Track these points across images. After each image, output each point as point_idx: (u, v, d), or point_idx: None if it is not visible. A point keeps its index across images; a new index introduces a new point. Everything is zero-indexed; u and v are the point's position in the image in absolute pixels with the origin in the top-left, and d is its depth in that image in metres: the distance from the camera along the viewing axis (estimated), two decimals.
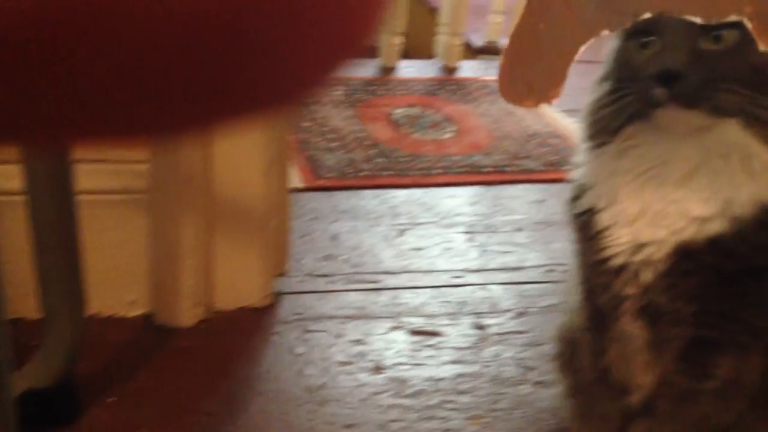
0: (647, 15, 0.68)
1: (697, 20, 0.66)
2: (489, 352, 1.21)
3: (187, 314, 1.18)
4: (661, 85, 0.67)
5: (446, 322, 1.27)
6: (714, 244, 0.71)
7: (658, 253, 0.73)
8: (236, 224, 1.17)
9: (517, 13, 0.77)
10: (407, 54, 2.55)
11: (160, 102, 0.26)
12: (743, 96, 0.67)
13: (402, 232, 1.52)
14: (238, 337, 1.18)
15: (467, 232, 1.54)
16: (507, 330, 1.26)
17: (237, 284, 1.21)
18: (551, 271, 1.42)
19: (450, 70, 2.29)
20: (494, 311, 1.31)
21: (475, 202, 1.66)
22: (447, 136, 1.91)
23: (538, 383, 1.14)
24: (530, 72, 0.75)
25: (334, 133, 1.86)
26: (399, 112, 2.01)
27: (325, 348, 1.18)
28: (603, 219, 0.76)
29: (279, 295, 1.28)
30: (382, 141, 1.85)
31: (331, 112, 1.97)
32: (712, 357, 0.79)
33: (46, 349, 0.98)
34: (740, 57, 0.68)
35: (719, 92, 0.67)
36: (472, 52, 2.47)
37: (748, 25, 0.65)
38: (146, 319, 1.20)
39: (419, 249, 1.47)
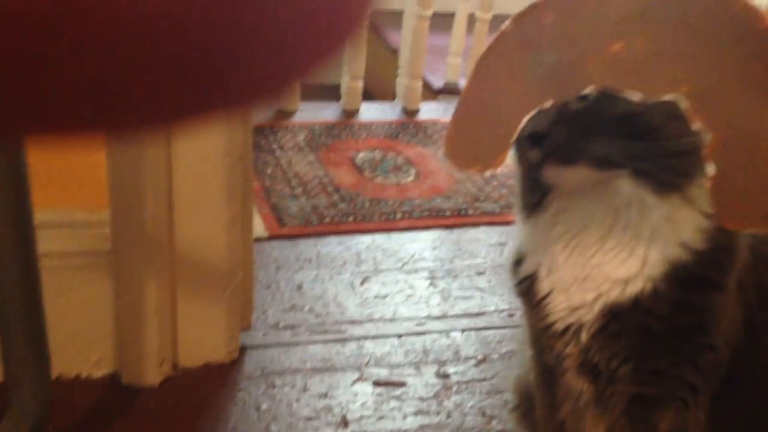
0: (590, 89, 0.70)
1: (637, 97, 0.68)
2: (452, 401, 1.23)
3: (152, 372, 1.18)
4: (532, 146, 0.71)
5: (410, 371, 1.29)
6: (636, 304, 0.74)
7: (588, 315, 0.76)
8: (200, 281, 1.19)
9: (469, 72, 0.79)
10: (372, 95, 2.59)
11: (139, 94, 0.26)
12: (620, 145, 0.70)
13: (366, 279, 1.54)
14: (204, 394, 1.19)
15: (429, 278, 1.57)
16: (469, 378, 1.29)
17: (202, 340, 1.22)
18: (512, 315, 1.45)
19: (411, 113, 2.33)
20: (457, 359, 1.33)
21: (437, 246, 1.69)
22: (408, 179, 1.94)
23: None
24: (476, 139, 0.76)
25: (297, 179, 1.88)
26: (361, 155, 2.05)
27: (291, 403, 1.19)
28: (543, 286, 0.79)
29: (244, 349, 1.29)
30: (345, 186, 1.88)
31: (294, 158, 1.99)
32: (653, 413, 0.81)
33: (12, 416, 0.98)
34: (605, 109, 0.70)
35: (591, 144, 0.70)
36: (433, 93, 2.52)
37: (684, 103, 0.66)
38: (112, 379, 1.20)
39: (383, 296, 1.49)
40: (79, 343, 1.17)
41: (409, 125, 2.25)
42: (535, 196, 0.77)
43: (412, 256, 1.64)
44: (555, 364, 0.83)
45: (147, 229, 1.09)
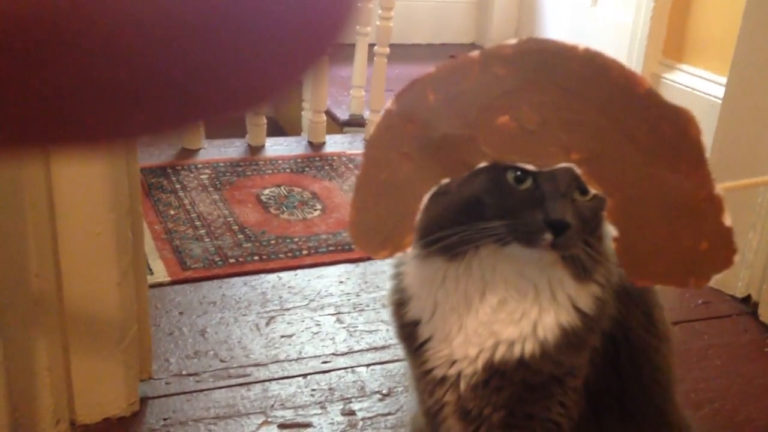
0: (483, 164, 0.69)
1: (530, 167, 0.69)
2: None
3: None
4: (551, 232, 0.70)
5: (316, 411, 1.30)
6: (522, 363, 0.78)
7: (469, 368, 0.79)
8: (94, 337, 1.17)
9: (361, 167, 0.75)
10: (284, 130, 2.59)
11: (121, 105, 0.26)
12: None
13: (271, 320, 1.54)
14: None
15: (336, 314, 1.58)
16: (374, 413, 1.30)
17: (100, 395, 1.20)
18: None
19: (316, 146, 2.35)
20: (362, 395, 1.35)
21: (344, 281, 1.70)
22: (315, 214, 1.96)
23: None
24: (380, 223, 0.74)
25: (200, 219, 1.87)
26: (267, 192, 2.05)
27: None
28: (423, 332, 0.81)
29: (146, 400, 1.28)
30: (251, 224, 1.88)
31: (198, 198, 1.98)
32: None
33: None
34: (598, 209, 0.73)
35: (580, 240, 0.72)
36: (339, 125, 2.54)
37: (578, 171, 0.68)
38: None
39: (289, 336, 1.49)
40: None
41: (315, 159, 2.27)
42: (465, 246, 0.76)
43: (318, 292, 1.65)
44: (434, 409, 0.85)
45: (33, 288, 1.07)
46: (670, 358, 0.92)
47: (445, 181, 0.71)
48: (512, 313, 0.77)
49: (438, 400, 0.83)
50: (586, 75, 0.66)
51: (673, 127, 0.65)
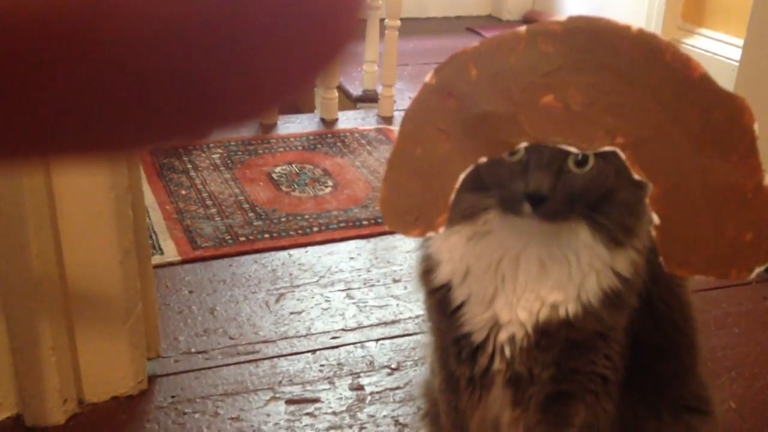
0: (523, 144, 0.68)
1: (572, 149, 0.67)
2: (366, 413, 1.23)
3: (56, 412, 1.16)
4: (528, 203, 0.70)
5: (324, 386, 1.29)
6: (566, 322, 0.77)
7: (520, 332, 0.79)
8: (98, 316, 1.17)
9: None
10: (298, 107, 2.58)
11: (130, 114, 0.26)
12: (587, 204, 0.72)
13: (281, 297, 1.53)
14: (111, 428, 1.17)
15: (346, 289, 1.57)
16: (383, 387, 1.29)
17: (107, 374, 1.20)
18: (425, 320, 1.46)
19: (329, 123, 2.33)
20: (371, 369, 1.34)
21: (354, 257, 1.69)
22: (326, 191, 1.94)
23: None
24: (413, 200, 0.72)
25: (212, 198, 1.87)
26: (278, 170, 2.04)
27: (201, 430, 1.18)
28: (458, 295, 0.80)
29: (154, 378, 1.28)
30: (261, 202, 1.87)
31: (209, 177, 1.97)
32: (568, 407, 0.85)
33: None
34: (598, 182, 0.71)
35: (575, 213, 0.71)
36: (352, 101, 2.52)
37: (622, 155, 0.66)
38: (15, 421, 1.17)
39: (298, 313, 1.49)
40: None
41: (327, 136, 2.25)
42: (472, 211, 0.75)
43: (329, 268, 1.64)
44: (477, 375, 0.84)
45: (34, 268, 1.07)
46: (690, 292, 0.93)
47: (482, 159, 0.69)
48: (557, 278, 0.76)
49: (482, 368, 0.83)
50: (639, 57, 0.64)
51: (725, 114, 0.64)
